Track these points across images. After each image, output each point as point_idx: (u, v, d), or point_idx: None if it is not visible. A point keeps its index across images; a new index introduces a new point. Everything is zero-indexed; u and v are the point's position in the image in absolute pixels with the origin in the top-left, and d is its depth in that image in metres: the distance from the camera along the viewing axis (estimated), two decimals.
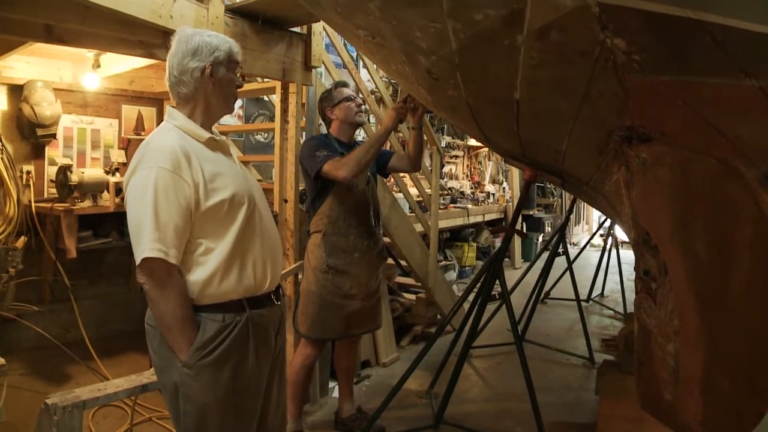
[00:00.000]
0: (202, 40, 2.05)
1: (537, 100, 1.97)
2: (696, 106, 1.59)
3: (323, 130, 3.83)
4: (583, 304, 6.10)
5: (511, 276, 6.42)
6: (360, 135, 6.01)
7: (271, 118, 6.66)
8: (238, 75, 2.20)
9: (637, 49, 1.47)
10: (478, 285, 3.83)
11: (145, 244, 1.88)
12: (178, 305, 1.94)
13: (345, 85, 3.58)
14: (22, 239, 4.18)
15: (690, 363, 1.88)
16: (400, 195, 5.54)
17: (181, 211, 1.92)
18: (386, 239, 4.78)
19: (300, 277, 3.68)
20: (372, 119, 6.52)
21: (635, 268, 2.04)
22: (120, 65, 4.42)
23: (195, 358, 1.97)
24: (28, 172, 4.69)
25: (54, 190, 4.59)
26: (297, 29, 4.16)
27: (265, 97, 6.78)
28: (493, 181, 11.49)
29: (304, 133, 4.23)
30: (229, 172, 2.10)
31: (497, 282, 3.74)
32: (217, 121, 2.25)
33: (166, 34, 3.36)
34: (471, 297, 3.91)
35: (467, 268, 8.94)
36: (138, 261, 1.91)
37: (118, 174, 4.69)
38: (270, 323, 2.19)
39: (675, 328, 1.89)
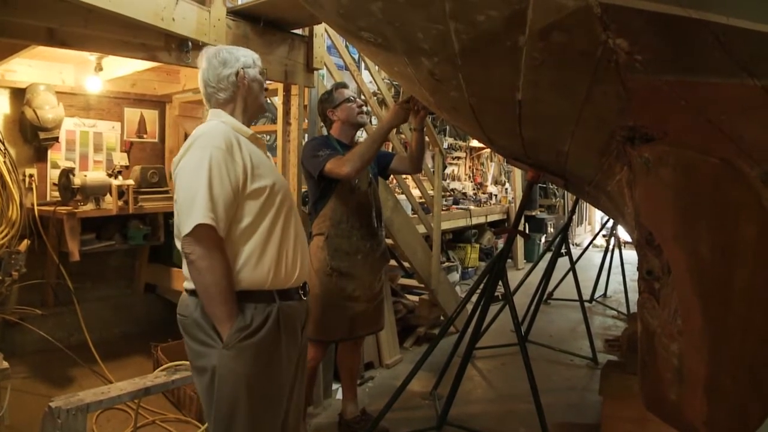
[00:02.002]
0: (227, 51, 2.32)
1: (539, 101, 1.97)
2: (699, 106, 1.59)
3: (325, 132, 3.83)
4: (586, 304, 6.09)
5: (514, 277, 6.43)
6: (362, 136, 6.03)
7: (274, 120, 6.67)
8: (264, 77, 2.45)
9: (640, 49, 1.46)
10: (481, 286, 3.83)
11: (198, 212, 2.02)
12: (223, 276, 2.06)
13: (345, 86, 3.57)
14: (25, 242, 4.18)
15: (694, 363, 1.88)
16: (403, 196, 5.54)
17: (231, 189, 2.10)
18: (389, 241, 4.79)
19: None
20: (374, 120, 6.52)
21: (638, 269, 2.03)
22: (122, 68, 4.42)
23: (235, 339, 2.08)
24: (31, 176, 4.69)
25: (57, 194, 4.60)
26: (299, 31, 4.16)
27: (268, 99, 6.79)
28: (496, 182, 11.48)
29: (306, 135, 4.24)
30: (269, 165, 2.33)
31: (500, 283, 3.73)
32: (254, 120, 2.50)
33: (169, 36, 3.38)
34: (474, 298, 3.91)
35: (470, 269, 8.94)
36: (189, 229, 2.03)
37: (120, 177, 4.69)
38: (297, 317, 2.32)
39: (678, 328, 1.89)
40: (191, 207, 2.04)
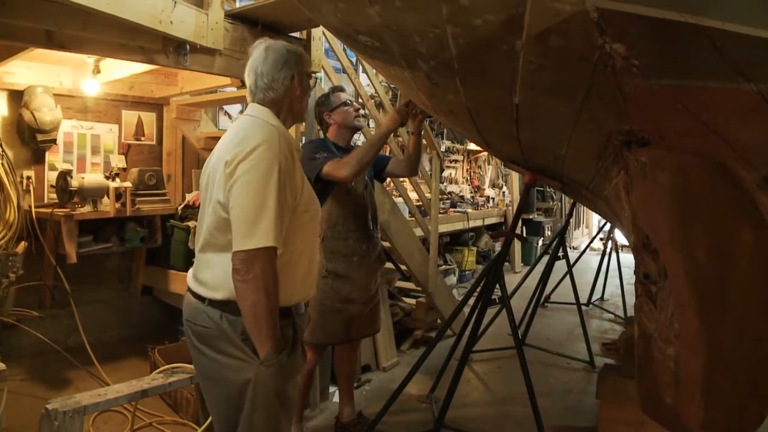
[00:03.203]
0: (287, 49, 2.23)
1: (536, 105, 1.98)
2: (695, 110, 1.59)
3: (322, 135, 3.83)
4: (584, 307, 6.09)
5: (511, 280, 6.42)
6: (359, 139, 6.02)
7: None
8: (314, 82, 2.43)
9: (636, 54, 1.47)
10: (479, 289, 3.83)
11: (266, 233, 1.95)
12: (275, 296, 1.99)
13: (342, 89, 3.57)
14: (23, 244, 4.18)
15: (690, 366, 1.88)
16: (400, 199, 5.54)
17: (289, 206, 2.06)
18: (386, 244, 4.78)
19: None
20: (372, 124, 6.52)
21: (635, 272, 2.04)
22: (120, 71, 4.42)
23: (275, 357, 2.01)
24: (29, 178, 4.68)
25: (54, 196, 4.59)
26: (297, 34, 4.16)
27: None
28: (493, 186, 11.49)
29: (303, 138, 4.24)
30: (308, 183, 2.26)
31: (497, 286, 3.74)
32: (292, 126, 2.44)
33: (166, 39, 3.39)
34: (471, 301, 3.91)
35: (467, 272, 8.93)
36: (252, 247, 1.95)
37: (118, 179, 4.69)
38: (304, 328, 2.34)
39: (675, 331, 1.89)
40: (256, 224, 1.95)
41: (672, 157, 1.79)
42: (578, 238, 13.77)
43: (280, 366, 2.04)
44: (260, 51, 2.22)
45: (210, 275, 2.14)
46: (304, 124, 4.31)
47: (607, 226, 7.72)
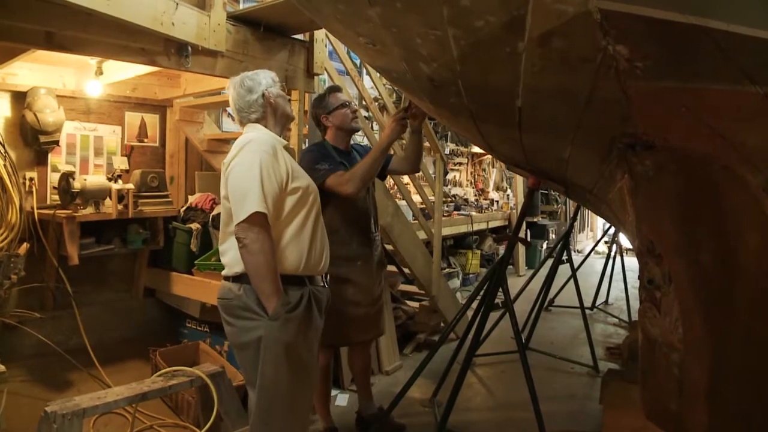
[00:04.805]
0: (249, 78, 2.70)
1: (539, 108, 1.96)
2: (700, 113, 1.57)
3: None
4: (588, 311, 6.06)
5: (514, 283, 6.41)
6: (364, 141, 6.02)
7: None
8: (285, 90, 2.93)
9: (640, 56, 1.45)
10: (482, 293, 3.82)
11: (254, 203, 2.38)
12: (271, 257, 2.41)
13: (339, 90, 3.52)
14: (25, 246, 4.17)
15: (695, 372, 1.86)
16: (404, 202, 5.52)
17: (277, 186, 2.48)
18: (389, 247, 4.76)
19: None
20: (375, 126, 6.51)
21: (639, 277, 2.02)
22: (123, 72, 4.41)
23: (280, 312, 2.42)
24: (31, 179, 4.68)
25: (56, 197, 4.58)
26: (299, 36, 4.15)
27: None
28: (497, 188, 11.47)
29: (306, 141, 4.23)
30: (301, 169, 2.76)
31: (501, 290, 3.72)
32: (286, 128, 2.88)
33: (168, 41, 3.37)
34: (474, 305, 3.89)
35: (471, 275, 8.92)
36: (245, 216, 2.37)
37: (120, 181, 4.68)
38: (323, 300, 2.71)
39: (679, 337, 1.87)
40: (245, 198, 2.39)
41: (676, 161, 1.77)
42: (583, 242, 13.74)
43: (286, 320, 2.43)
44: (231, 93, 2.71)
45: (228, 257, 2.59)
46: (307, 127, 4.30)
47: (612, 230, 7.69)
